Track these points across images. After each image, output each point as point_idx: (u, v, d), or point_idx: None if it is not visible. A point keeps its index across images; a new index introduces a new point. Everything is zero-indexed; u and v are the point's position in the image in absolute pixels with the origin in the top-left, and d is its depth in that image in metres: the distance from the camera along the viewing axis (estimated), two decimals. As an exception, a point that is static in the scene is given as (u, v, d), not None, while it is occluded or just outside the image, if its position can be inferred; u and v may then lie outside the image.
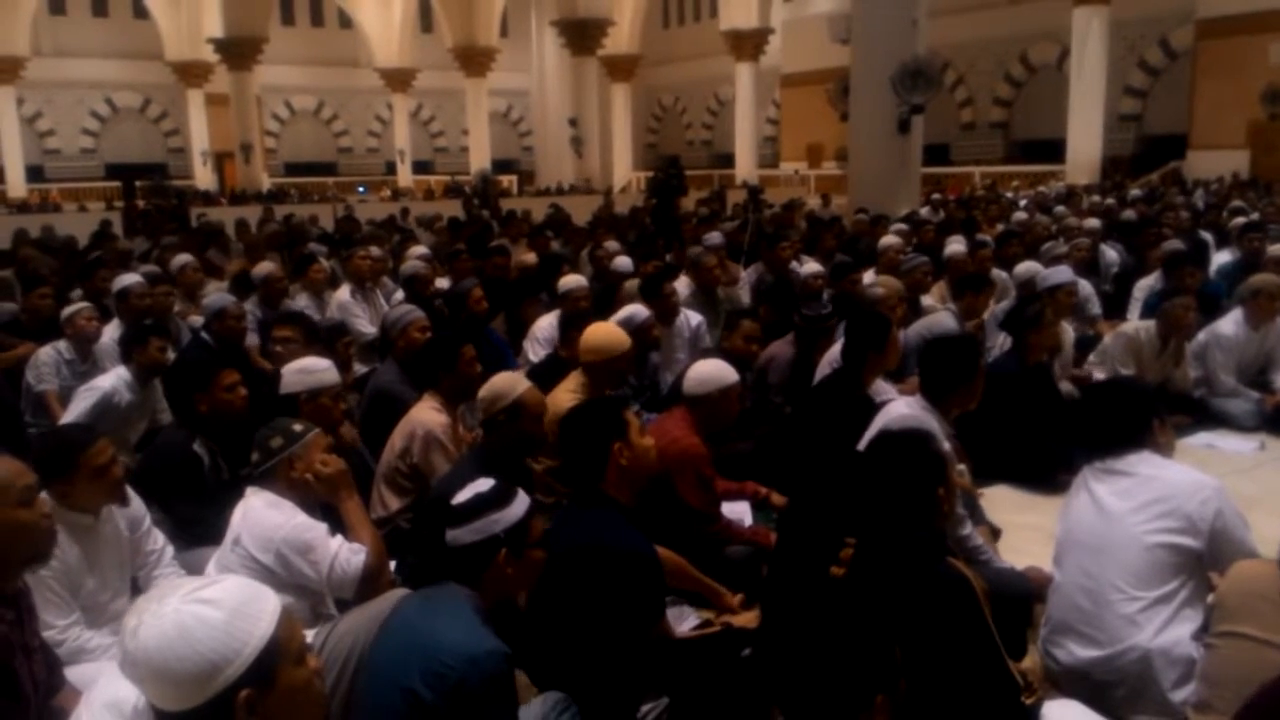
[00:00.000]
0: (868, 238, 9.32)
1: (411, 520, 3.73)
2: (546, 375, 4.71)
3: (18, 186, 31.83)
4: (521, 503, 2.23)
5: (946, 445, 3.34)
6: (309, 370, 3.74)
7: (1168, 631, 2.62)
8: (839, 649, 1.57)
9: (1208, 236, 9.51)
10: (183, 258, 7.91)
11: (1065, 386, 5.51)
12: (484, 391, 3.41)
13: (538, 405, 3.38)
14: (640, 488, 2.81)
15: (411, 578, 3.04)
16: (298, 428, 2.91)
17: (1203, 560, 2.69)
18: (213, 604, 1.50)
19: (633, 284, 6.51)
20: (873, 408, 4.09)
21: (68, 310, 5.54)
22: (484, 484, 2.23)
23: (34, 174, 33.82)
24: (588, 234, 11.14)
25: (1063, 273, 5.82)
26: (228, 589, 1.54)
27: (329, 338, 5.17)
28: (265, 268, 6.99)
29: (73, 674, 2.54)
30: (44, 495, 2.41)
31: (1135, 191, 18.05)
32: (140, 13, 35.31)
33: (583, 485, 2.75)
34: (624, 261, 7.79)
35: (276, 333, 5.09)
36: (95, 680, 2.47)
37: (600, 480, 2.71)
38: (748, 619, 3.09)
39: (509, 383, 3.39)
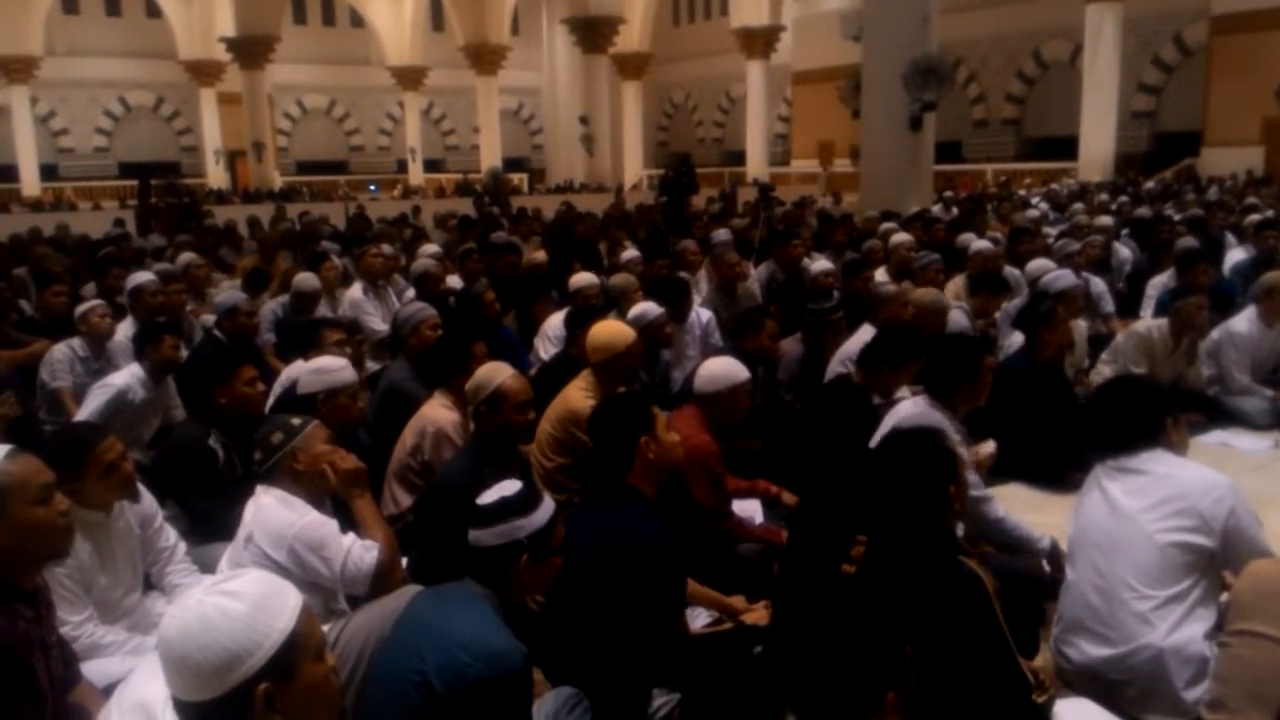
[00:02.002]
0: (873, 237, 9.27)
1: (413, 510, 3.74)
2: (558, 373, 4.72)
3: (32, 185, 32.03)
4: (546, 509, 2.24)
5: (955, 437, 3.34)
6: (325, 370, 3.72)
7: (1181, 630, 2.61)
8: (850, 646, 1.57)
9: (1231, 237, 9.45)
10: (187, 256, 7.93)
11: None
12: (468, 385, 3.50)
13: (518, 392, 3.43)
14: (664, 479, 2.85)
15: (416, 572, 3.05)
16: (296, 421, 2.92)
17: (1216, 559, 2.67)
18: (235, 596, 1.52)
19: (624, 277, 6.47)
20: (873, 411, 4.10)
21: (82, 308, 5.56)
22: (510, 487, 2.24)
23: (48, 173, 34.01)
24: (599, 232, 11.16)
25: (1065, 278, 5.78)
26: (251, 582, 1.56)
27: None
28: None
29: (87, 669, 2.56)
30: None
31: (1150, 185, 17.96)
32: (153, 12, 35.46)
33: (609, 478, 2.77)
34: (631, 254, 7.83)
35: (329, 337, 4.87)
36: (113, 674, 2.50)
37: (626, 474, 2.73)
38: (759, 616, 3.09)
39: (488, 373, 3.46)
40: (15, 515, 2.17)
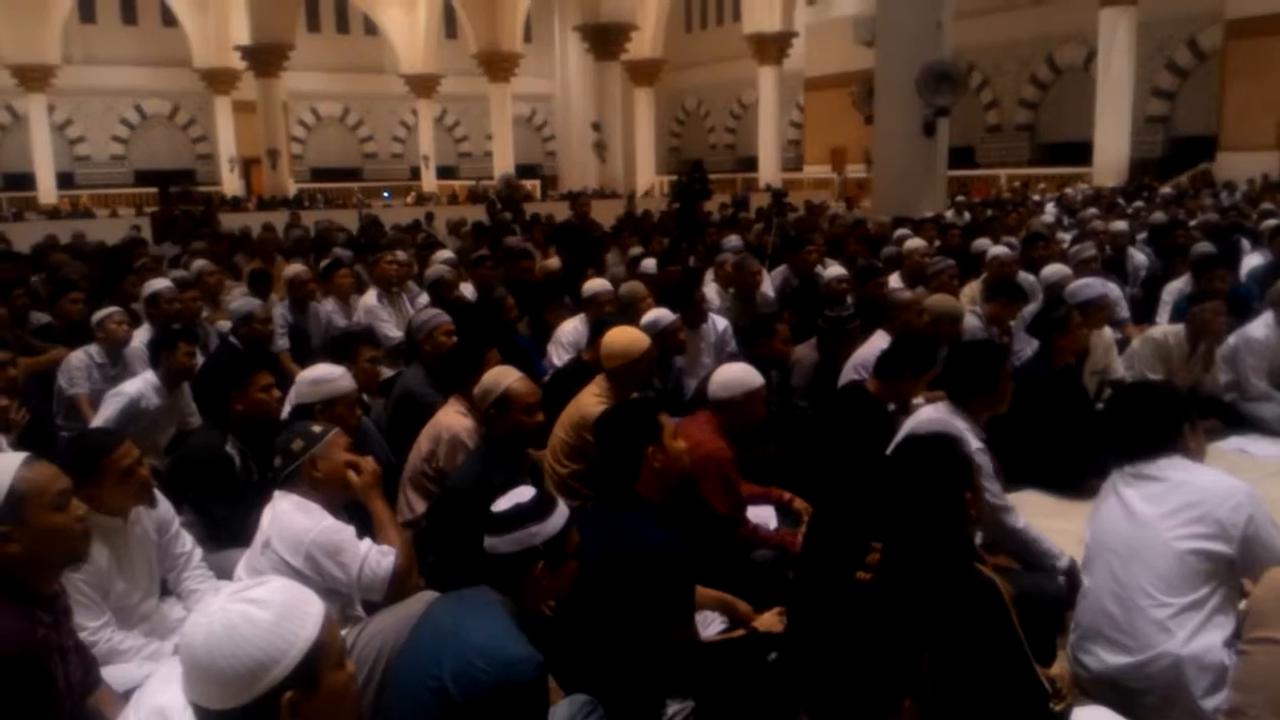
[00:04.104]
0: (887, 244, 9.23)
1: (428, 515, 3.75)
2: (571, 379, 4.72)
3: (49, 193, 32.24)
4: (560, 515, 2.24)
5: (976, 444, 3.33)
6: (321, 380, 3.70)
7: (1199, 638, 2.59)
8: (866, 653, 1.56)
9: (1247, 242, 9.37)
10: (199, 263, 7.99)
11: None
12: (476, 389, 3.52)
13: (526, 395, 3.44)
14: (671, 488, 2.84)
15: (432, 576, 3.06)
16: (317, 429, 2.93)
17: (1234, 566, 2.65)
18: (260, 604, 1.52)
19: (633, 285, 6.44)
20: (888, 417, 4.08)
21: (98, 315, 5.59)
22: (525, 493, 2.24)
23: (64, 180, 34.25)
24: (610, 238, 11.16)
25: (1091, 288, 5.72)
26: (275, 590, 1.56)
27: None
28: (293, 268, 7.00)
29: (105, 674, 2.57)
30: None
31: (1166, 190, 17.84)
32: (169, 20, 35.73)
33: (615, 486, 2.77)
34: (648, 264, 7.82)
35: (364, 354, 4.63)
36: (131, 680, 2.51)
37: (633, 482, 2.73)
38: (772, 623, 3.08)
39: (495, 377, 3.49)
40: (33, 521, 2.18)
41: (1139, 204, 14.28)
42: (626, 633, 2.56)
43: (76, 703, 2.27)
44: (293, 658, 1.50)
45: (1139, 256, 8.77)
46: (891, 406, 4.22)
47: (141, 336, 5.78)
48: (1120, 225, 9.70)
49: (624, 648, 2.55)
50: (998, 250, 7.44)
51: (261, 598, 1.53)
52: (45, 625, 2.19)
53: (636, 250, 9.02)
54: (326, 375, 3.74)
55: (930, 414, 3.59)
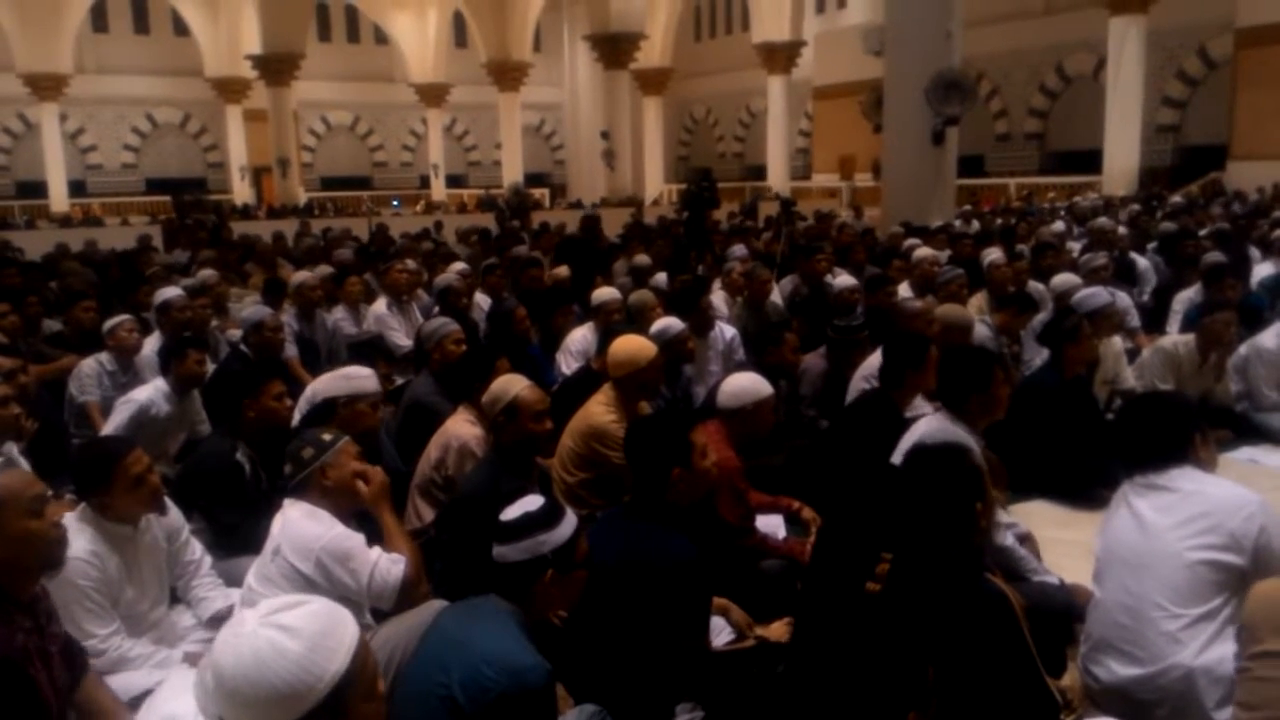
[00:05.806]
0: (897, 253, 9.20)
1: (437, 523, 3.75)
2: (580, 388, 4.73)
3: (60, 201, 32.38)
4: (569, 523, 2.24)
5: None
6: (350, 377, 3.82)
7: (1211, 650, 2.58)
8: (872, 666, 1.56)
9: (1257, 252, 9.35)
10: (206, 273, 8.04)
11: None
12: (485, 398, 3.54)
13: (535, 402, 3.46)
14: (698, 498, 2.85)
15: (441, 584, 3.06)
16: (327, 437, 2.94)
17: (1246, 578, 2.63)
18: (291, 633, 1.49)
19: (643, 294, 6.44)
20: (905, 425, 4.07)
21: (110, 322, 5.62)
22: (533, 502, 2.25)
23: (76, 189, 34.39)
24: (619, 248, 11.17)
25: (1097, 298, 5.71)
26: (309, 618, 1.53)
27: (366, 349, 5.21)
28: (300, 276, 7.03)
29: (115, 682, 2.59)
30: (56, 503, 2.46)
31: (1176, 199, 17.75)
32: (180, 30, 35.90)
33: (642, 497, 2.78)
34: (659, 277, 7.81)
35: (380, 367, 4.74)
36: (140, 687, 2.51)
37: (661, 494, 2.74)
38: (779, 633, 3.07)
39: (503, 385, 3.50)
40: (9, 527, 2.22)
41: (1168, 225, 13.90)
42: (641, 641, 2.55)
43: (63, 706, 2.28)
44: (320, 692, 1.47)
45: (1141, 263, 8.74)
46: (913, 410, 4.20)
47: (152, 344, 5.80)
48: (1121, 231, 9.66)
49: (637, 656, 2.55)
50: (994, 255, 7.43)
51: (294, 625, 1.50)
52: (25, 630, 2.20)
53: (642, 259, 9.02)
54: (354, 373, 3.86)
55: (929, 425, 3.58)
